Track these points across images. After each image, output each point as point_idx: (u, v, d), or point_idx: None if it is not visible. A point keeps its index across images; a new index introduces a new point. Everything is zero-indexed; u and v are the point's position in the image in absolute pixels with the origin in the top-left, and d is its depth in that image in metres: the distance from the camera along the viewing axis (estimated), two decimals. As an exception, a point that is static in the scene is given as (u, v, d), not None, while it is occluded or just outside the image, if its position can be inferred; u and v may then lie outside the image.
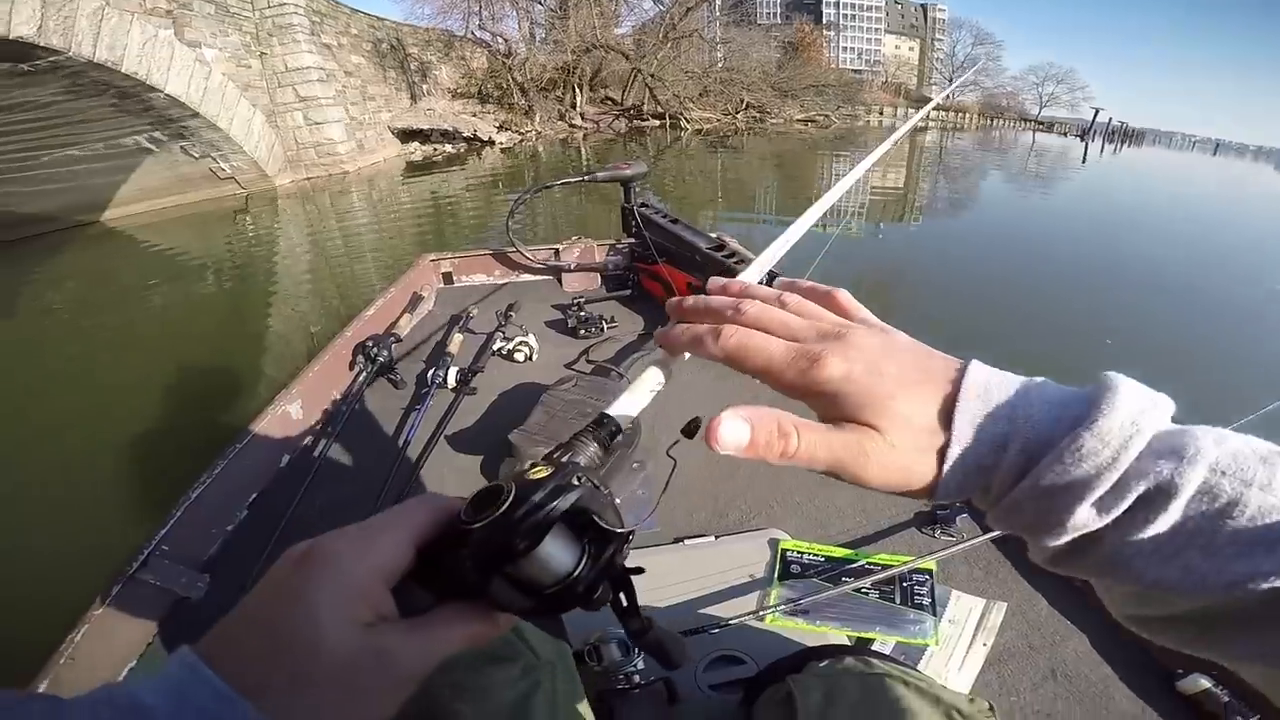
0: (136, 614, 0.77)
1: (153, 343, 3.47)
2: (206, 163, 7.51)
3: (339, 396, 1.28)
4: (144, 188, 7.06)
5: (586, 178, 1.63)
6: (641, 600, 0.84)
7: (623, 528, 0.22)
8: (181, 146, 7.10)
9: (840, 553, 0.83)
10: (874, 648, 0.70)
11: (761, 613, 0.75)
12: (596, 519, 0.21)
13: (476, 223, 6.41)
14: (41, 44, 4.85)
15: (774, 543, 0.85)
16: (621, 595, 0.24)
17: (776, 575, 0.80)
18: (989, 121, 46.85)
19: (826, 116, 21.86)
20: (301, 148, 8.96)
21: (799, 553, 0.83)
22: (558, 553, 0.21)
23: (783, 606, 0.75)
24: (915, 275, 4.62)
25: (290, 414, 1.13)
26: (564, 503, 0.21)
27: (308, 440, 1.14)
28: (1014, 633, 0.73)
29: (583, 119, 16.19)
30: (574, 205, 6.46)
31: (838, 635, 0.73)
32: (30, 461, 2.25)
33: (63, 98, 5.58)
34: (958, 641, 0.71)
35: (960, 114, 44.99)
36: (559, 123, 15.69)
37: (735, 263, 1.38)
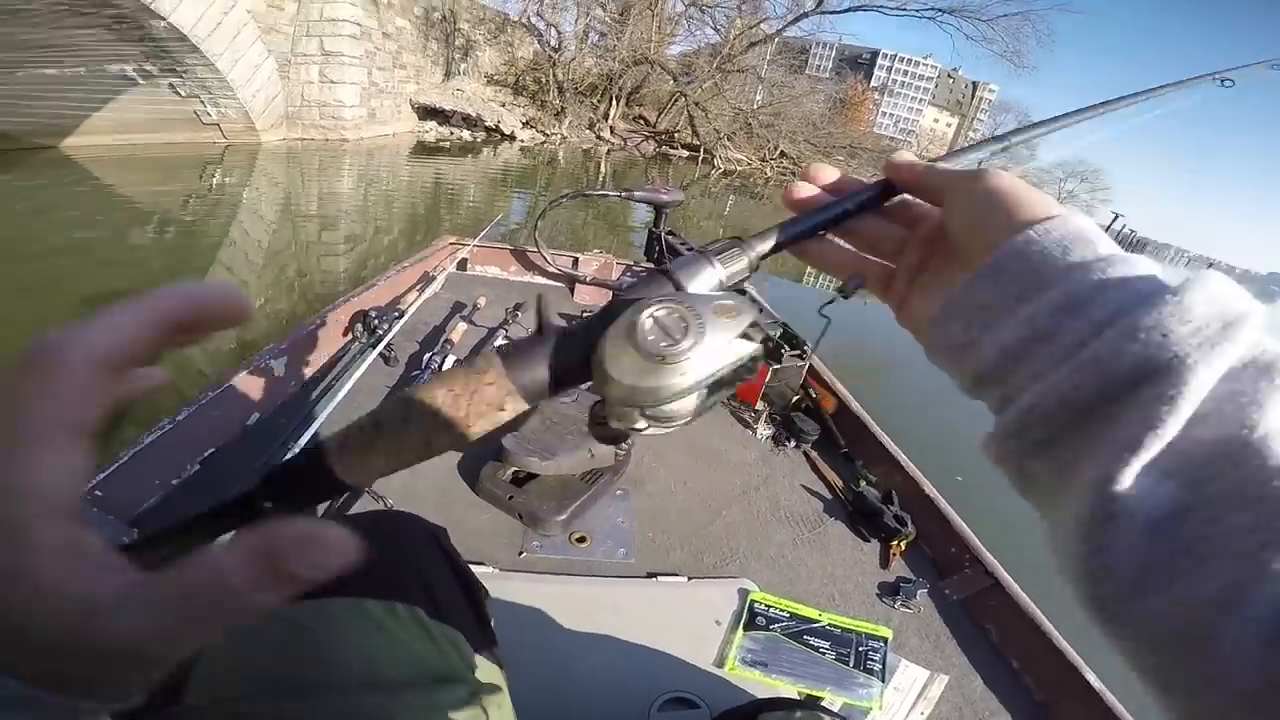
0: None
1: (64, 285, 3.36)
2: (192, 104, 7.43)
3: (327, 361, 1.35)
4: (117, 120, 7.00)
5: (624, 194, 1.75)
6: (606, 630, 0.92)
7: None
8: (170, 83, 7.01)
9: (805, 610, 0.92)
10: (823, 704, 0.79)
11: (722, 659, 0.83)
12: None
13: (475, 218, 6.56)
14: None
15: (744, 592, 0.93)
16: None
17: (742, 624, 0.88)
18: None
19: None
20: (305, 105, 8.95)
21: (766, 605, 0.91)
22: None
23: (743, 656, 0.83)
24: (901, 359, 4.80)
25: (273, 370, 1.19)
26: None
27: (283, 401, 1.19)
28: (949, 705, 0.83)
29: (612, 133, 16.79)
30: (577, 221, 6.69)
31: (789, 689, 0.81)
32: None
33: (53, 14, 5.47)
34: (899, 708, 0.81)
35: (977, 197, 47.84)
36: (586, 131, 16.26)
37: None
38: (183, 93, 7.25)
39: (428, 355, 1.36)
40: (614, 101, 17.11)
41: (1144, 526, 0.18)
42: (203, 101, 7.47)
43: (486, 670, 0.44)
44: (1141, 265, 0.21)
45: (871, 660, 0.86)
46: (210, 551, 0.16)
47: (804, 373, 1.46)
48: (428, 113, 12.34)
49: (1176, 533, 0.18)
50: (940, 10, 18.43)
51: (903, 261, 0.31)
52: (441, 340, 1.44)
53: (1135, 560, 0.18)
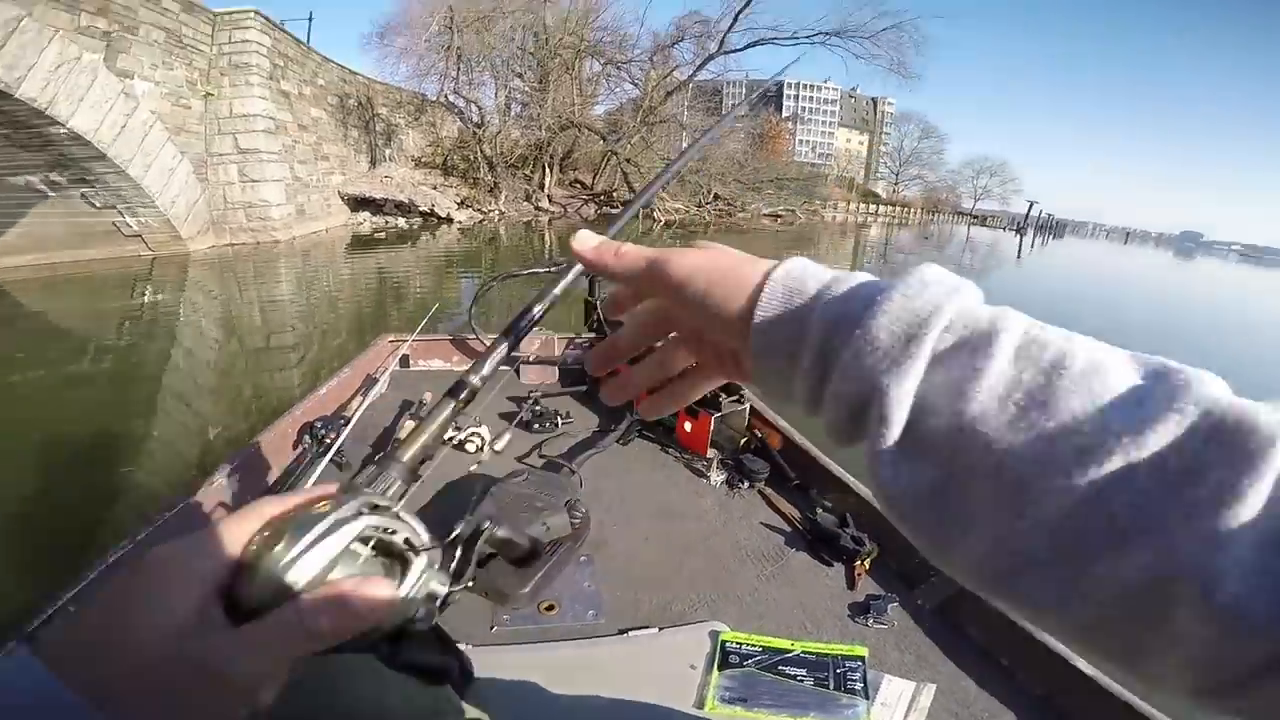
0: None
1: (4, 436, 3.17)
2: (110, 215, 7.17)
3: (279, 475, 1.35)
4: (35, 238, 6.74)
5: (553, 268, 1.84)
6: (584, 690, 0.95)
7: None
8: (83, 194, 6.78)
9: (777, 643, 0.96)
10: (806, 730, 0.83)
11: (701, 700, 0.86)
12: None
13: (422, 307, 6.49)
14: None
15: (714, 634, 0.97)
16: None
17: (716, 665, 0.91)
18: (930, 216, 53.30)
19: (792, 211, 24.23)
20: (230, 207, 8.76)
21: (738, 643, 0.95)
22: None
23: (721, 695, 0.87)
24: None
25: (225, 488, 1.20)
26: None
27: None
28: (945, 712, 0.86)
29: (550, 201, 17.14)
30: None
31: None
32: None
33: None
34: (889, 723, 0.84)
35: (905, 209, 50.59)
36: (524, 204, 16.53)
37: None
38: (97, 203, 6.98)
39: (379, 456, 1.37)
40: (547, 170, 17.54)
41: (914, 501, 0.23)
42: (120, 212, 7.21)
43: (474, 713, 0.52)
44: (847, 284, 0.25)
45: (851, 680, 0.89)
46: (292, 601, 0.25)
47: (747, 415, 1.55)
48: (359, 203, 12.30)
49: (943, 503, 0.22)
50: (826, 34, 20.31)
51: (702, 358, 0.35)
52: (391, 440, 1.46)
53: (926, 524, 0.23)
